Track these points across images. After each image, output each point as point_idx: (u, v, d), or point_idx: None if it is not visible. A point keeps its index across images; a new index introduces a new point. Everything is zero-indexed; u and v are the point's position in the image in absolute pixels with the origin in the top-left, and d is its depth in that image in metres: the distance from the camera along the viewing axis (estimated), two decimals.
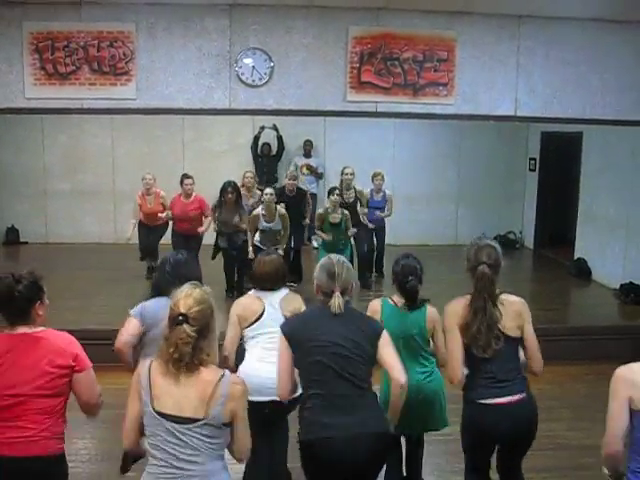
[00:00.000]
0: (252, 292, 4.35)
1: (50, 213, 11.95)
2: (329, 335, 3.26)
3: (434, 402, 4.13)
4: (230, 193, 8.03)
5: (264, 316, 4.18)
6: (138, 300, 3.92)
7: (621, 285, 8.86)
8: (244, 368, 4.15)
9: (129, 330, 3.81)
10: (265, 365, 3.99)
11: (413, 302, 4.07)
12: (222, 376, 2.79)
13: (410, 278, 4.05)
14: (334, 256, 3.52)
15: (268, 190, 8.10)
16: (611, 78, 6.65)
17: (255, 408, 3.48)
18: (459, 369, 3.52)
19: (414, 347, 4.06)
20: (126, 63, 6.30)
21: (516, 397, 3.45)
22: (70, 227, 11.80)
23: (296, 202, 8.80)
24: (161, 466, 2.75)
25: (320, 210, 8.62)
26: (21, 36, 6.20)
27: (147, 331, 3.78)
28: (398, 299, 4.12)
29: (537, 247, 12.25)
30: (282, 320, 3.90)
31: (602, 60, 6.61)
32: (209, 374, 2.77)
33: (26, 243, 11.72)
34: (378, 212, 9.19)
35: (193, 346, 2.72)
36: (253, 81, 6.38)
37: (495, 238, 12.36)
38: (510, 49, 6.56)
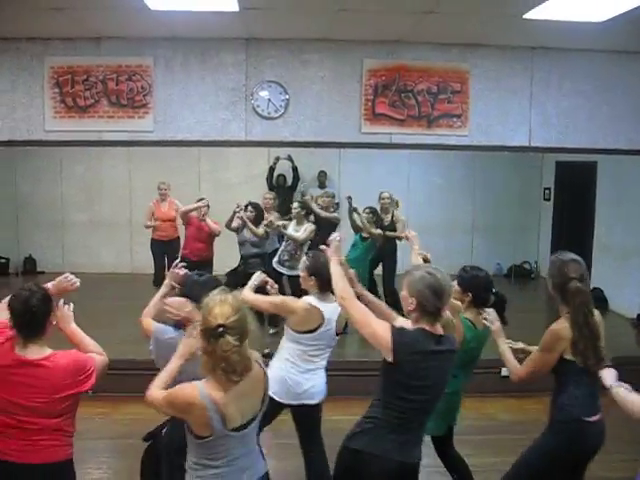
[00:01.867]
0: (310, 300, 4.33)
1: (67, 243, 12.07)
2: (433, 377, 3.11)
3: None
4: (250, 212, 8.05)
5: (320, 329, 4.29)
6: None
7: (638, 315, 8.80)
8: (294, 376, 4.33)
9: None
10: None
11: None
12: (264, 371, 2.93)
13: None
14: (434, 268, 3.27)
15: (295, 204, 8.26)
16: (624, 108, 6.67)
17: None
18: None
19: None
20: (144, 96, 6.41)
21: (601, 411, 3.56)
22: (87, 257, 11.90)
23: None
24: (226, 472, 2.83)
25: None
26: (42, 70, 6.33)
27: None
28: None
29: None
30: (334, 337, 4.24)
31: (615, 90, 6.65)
32: (257, 373, 2.87)
33: (43, 273, 11.81)
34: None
35: (239, 353, 2.71)
36: (269, 113, 6.46)
37: (510, 268, 12.42)
38: (523, 80, 6.61)
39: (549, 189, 12.33)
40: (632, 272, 9.30)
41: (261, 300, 4.40)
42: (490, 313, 3.94)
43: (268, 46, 6.40)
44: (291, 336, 4.38)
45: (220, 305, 2.72)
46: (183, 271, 3.94)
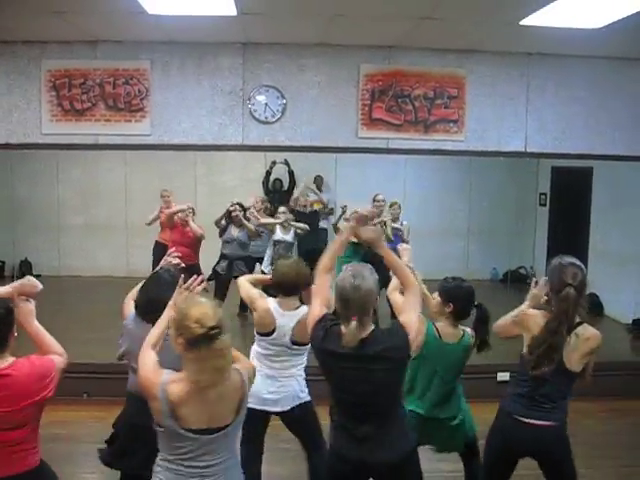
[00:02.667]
0: (272, 302, 4.33)
1: (63, 246, 12.04)
2: None
3: None
4: (238, 211, 8.19)
5: (273, 335, 4.26)
6: None
7: (634, 320, 8.82)
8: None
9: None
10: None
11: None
12: (239, 375, 2.81)
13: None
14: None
15: (281, 209, 8.30)
16: (620, 114, 6.70)
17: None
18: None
19: None
20: (141, 100, 6.41)
21: (547, 423, 3.48)
22: (83, 260, 11.89)
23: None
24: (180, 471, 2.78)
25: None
26: (39, 74, 6.33)
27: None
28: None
29: None
30: (288, 345, 4.16)
31: (611, 97, 6.67)
32: (234, 375, 2.80)
33: (39, 276, 11.77)
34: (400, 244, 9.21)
35: (230, 356, 2.73)
36: (266, 118, 6.46)
37: (506, 273, 12.41)
38: (520, 86, 6.63)
39: (545, 194, 12.35)
40: (627, 277, 9.32)
41: (245, 288, 4.40)
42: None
43: (265, 51, 6.41)
44: (255, 336, 4.40)
45: (208, 309, 2.70)
46: (177, 260, 3.92)
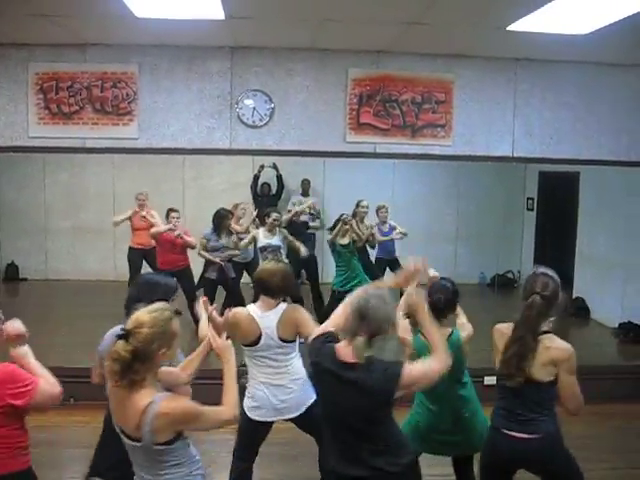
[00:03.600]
0: (252, 308, 4.34)
1: (50, 250, 11.99)
2: None
3: None
4: (228, 219, 8.28)
5: (261, 342, 4.25)
6: None
7: (620, 324, 8.86)
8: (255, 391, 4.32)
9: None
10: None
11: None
12: (149, 404, 2.67)
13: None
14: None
15: (275, 214, 8.29)
16: (606, 120, 6.74)
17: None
18: None
19: None
20: (129, 103, 6.39)
21: (526, 435, 3.45)
22: (70, 264, 11.84)
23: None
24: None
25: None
26: (26, 76, 6.30)
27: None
28: None
29: None
30: (278, 344, 4.16)
31: (597, 102, 6.72)
32: (141, 398, 2.68)
33: (25, 280, 11.74)
34: (394, 232, 9.40)
35: (125, 365, 2.63)
36: (254, 122, 6.46)
37: (493, 277, 12.47)
38: (507, 91, 6.66)
39: (532, 199, 12.42)
40: (614, 282, 9.37)
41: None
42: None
43: (253, 55, 6.41)
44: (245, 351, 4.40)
45: (141, 314, 2.76)
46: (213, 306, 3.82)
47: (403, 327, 3.90)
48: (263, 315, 4.26)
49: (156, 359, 2.72)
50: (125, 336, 2.64)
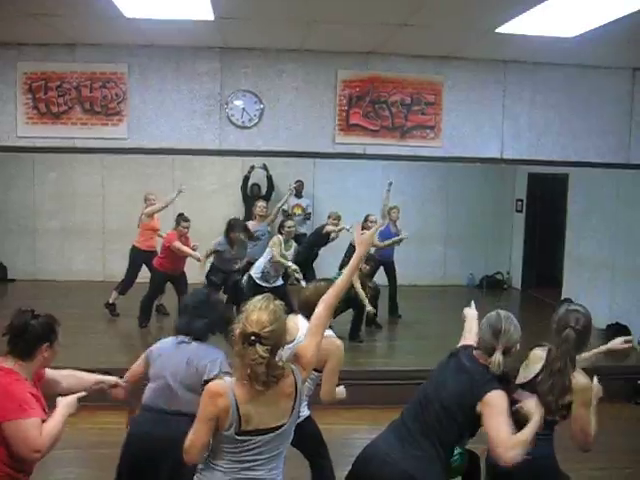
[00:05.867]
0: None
1: (39, 251, 11.94)
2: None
3: None
4: (239, 232, 8.28)
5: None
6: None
7: (608, 325, 8.90)
8: None
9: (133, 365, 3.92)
10: None
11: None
12: (296, 384, 2.81)
13: None
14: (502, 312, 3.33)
15: (290, 222, 8.35)
16: (594, 122, 6.78)
17: None
18: None
19: None
20: (118, 104, 6.38)
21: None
22: (59, 265, 11.78)
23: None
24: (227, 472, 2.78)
25: None
26: (15, 76, 6.28)
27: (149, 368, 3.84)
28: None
29: (524, 288, 12.32)
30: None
31: (585, 104, 6.76)
32: (287, 385, 2.79)
33: (14, 280, 11.68)
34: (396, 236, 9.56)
35: (267, 364, 2.66)
36: (243, 122, 6.46)
37: (482, 279, 12.51)
38: (496, 93, 6.69)
39: (521, 201, 12.47)
40: (602, 283, 9.42)
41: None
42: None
43: (243, 55, 6.41)
44: None
45: (259, 312, 2.70)
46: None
47: None
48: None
49: (283, 346, 2.80)
50: (258, 340, 2.65)
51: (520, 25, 5.25)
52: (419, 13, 5.07)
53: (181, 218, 8.70)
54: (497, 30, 5.44)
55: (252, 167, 11.19)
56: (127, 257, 9.33)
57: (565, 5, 4.68)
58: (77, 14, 5.37)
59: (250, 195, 11.31)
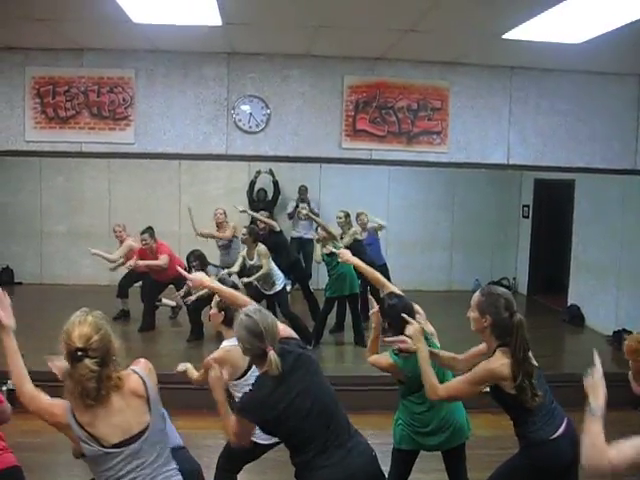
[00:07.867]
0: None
1: (45, 254, 11.99)
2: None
3: None
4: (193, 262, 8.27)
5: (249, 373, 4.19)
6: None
7: (614, 332, 8.88)
8: None
9: None
10: None
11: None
12: (135, 373, 2.77)
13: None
14: (252, 310, 3.18)
15: (244, 230, 8.40)
16: (600, 128, 6.77)
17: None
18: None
19: None
20: (125, 108, 6.41)
21: (565, 421, 3.58)
22: (65, 268, 11.84)
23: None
24: None
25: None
26: (23, 80, 6.31)
27: None
28: None
29: (530, 293, 12.29)
30: None
31: (591, 110, 6.75)
32: (130, 383, 2.72)
33: (20, 284, 11.72)
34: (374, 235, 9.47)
35: (97, 379, 2.59)
36: (250, 127, 6.48)
37: (488, 284, 12.46)
38: (502, 99, 6.69)
39: (528, 206, 12.45)
40: (608, 289, 9.40)
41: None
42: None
43: (250, 61, 6.43)
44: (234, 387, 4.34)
45: (79, 327, 2.61)
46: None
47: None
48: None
49: (114, 355, 2.78)
50: (84, 355, 2.62)
51: (527, 31, 5.25)
52: (426, 19, 5.07)
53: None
54: (504, 36, 5.45)
55: (258, 172, 11.21)
56: None
57: (572, 11, 4.68)
58: (85, 19, 5.39)
59: (256, 200, 11.34)
